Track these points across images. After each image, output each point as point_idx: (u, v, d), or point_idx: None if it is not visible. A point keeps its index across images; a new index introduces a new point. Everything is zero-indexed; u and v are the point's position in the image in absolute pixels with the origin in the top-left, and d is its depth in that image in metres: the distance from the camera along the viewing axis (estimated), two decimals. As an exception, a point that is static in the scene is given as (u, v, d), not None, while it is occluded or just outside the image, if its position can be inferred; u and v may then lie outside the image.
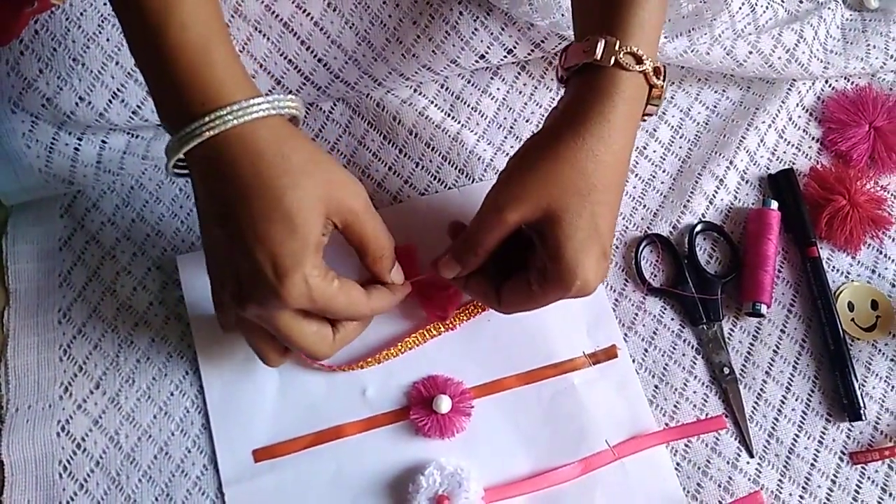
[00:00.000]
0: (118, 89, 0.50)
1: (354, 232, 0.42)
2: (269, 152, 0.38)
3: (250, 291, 0.39)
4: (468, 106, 0.58)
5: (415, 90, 0.58)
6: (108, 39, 0.49)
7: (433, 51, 0.54)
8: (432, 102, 0.58)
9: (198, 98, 0.38)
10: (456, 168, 0.56)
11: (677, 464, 0.50)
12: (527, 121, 0.58)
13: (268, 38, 0.53)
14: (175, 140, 0.39)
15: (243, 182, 0.38)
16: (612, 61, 0.41)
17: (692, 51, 0.56)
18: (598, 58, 0.41)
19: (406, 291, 0.46)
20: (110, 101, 0.50)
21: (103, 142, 0.52)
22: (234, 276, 0.40)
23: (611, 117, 0.41)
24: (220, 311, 0.45)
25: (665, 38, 0.56)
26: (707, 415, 0.51)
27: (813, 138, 0.60)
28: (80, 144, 0.52)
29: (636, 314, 0.54)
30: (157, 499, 0.48)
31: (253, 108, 0.38)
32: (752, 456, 0.50)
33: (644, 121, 0.45)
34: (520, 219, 0.42)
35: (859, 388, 0.52)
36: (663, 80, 0.43)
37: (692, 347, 0.53)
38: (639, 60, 0.41)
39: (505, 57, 0.55)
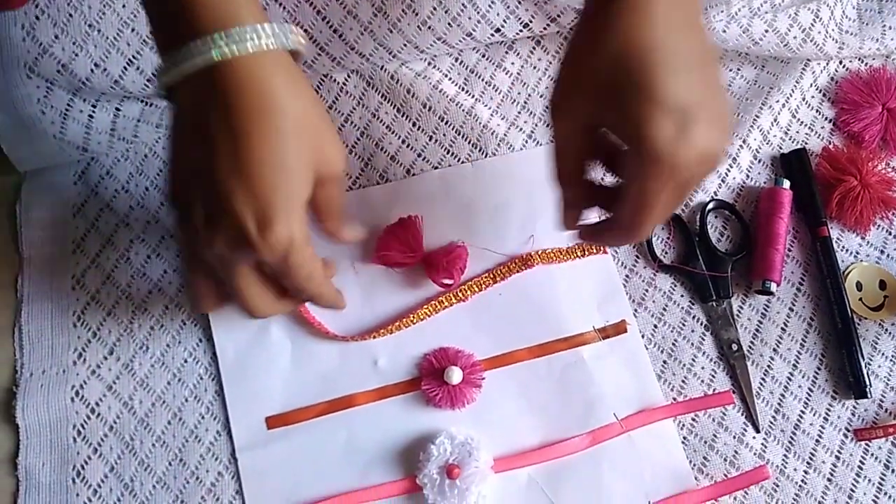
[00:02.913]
0: (133, 56, 0.49)
1: (328, 193, 0.40)
2: (279, 91, 0.36)
3: (222, 230, 0.36)
4: (482, 80, 0.58)
5: (429, 63, 0.58)
6: (123, 6, 0.49)
7: (449, 23, 0.53)
8: (446, 76, 0.58)
9: (202, 20, 0.35)
10: (469, 142, 0.56)
11: (684, 437, 0.50)
12: (541, 96, 0.58)
13: (284, 8, 0.53)
14: (169, 60, 0.36)
15: (244, 115, 0.35)
16: None
17: (709, 28, 0.56)
18: None
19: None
20: (125, 69, 0.50)
21: (117, 109, 0.52)
22: (206, 209, 0.37)
23: None
24: (180, 233, 0.43)
25: (681, 14, 0.56)
26: (714, 390, 0.52)
27: (826, 119, 0.60)
28: (94, 111, 0.52)
29: (646, 290, 0.54)
30: (170, 464, 0.49)
31: (261, 36, 0.35)
32: (758, 431, 0.51)
33: None
34: (573, 108, 0.39)
35: (865, 366, 0.52)
36: None
37: (701, 324, 0.53)
38: None
39: (520, 31, 0.55)
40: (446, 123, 0.57)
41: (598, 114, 0.38)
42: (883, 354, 0.53)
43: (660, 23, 0.36)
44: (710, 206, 0.56)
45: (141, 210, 0.54)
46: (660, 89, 0.35)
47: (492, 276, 0.53)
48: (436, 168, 0.56)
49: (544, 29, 0.56)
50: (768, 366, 0.53)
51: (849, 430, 0.52)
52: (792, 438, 0.51)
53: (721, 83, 0.39)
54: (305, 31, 0.53)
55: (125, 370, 0.51)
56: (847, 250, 0.56)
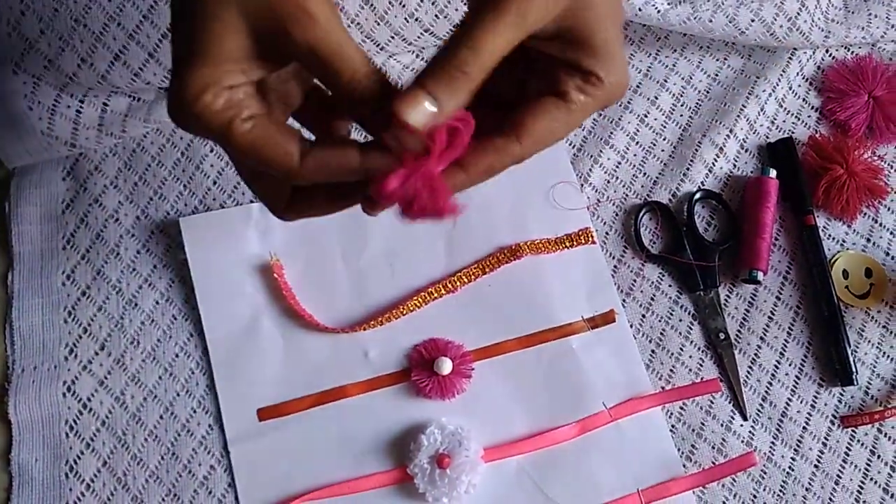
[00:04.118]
0: (120, 51, 0.49)
1: (299, 45, 0.29)
2: None
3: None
4: (470, 72, 0.58)
5: (417, 56, 0.58)
6: (109, 0, 0.49)
7: (436, 15, 0.53)
8: (434, 68, 0.58)
9: None
10: (457, 134, 0.56)
11: (672, 426, 0.51)
12: (528, 87, 0.58)
13: (270, 1, 0.52)
14: None
15: None
16: None
17: (695, 18, 0.56)
18: None
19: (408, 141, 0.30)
20: (112, 63, 0.50)
21: (105, 104, 0.52)
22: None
23: None
24: None
25: (668, 4, 0.56)
26: (702, 379, 0.52)
27: (812, 107, 0.60)
28: (81, 107, 0.52)
29: (634, 280, 0.54)
30: (162, 458, 0.49)
31: None
32: (745, 419, 0.52)
33: None
34: (540, 6, 0.30)
35: (852, 353, 0.53)
36: None
37: (689, 313, 0.54)
38: None
39: (507, 22, 0.55)
40: (434, 116, 0.57)
41: (563, 9, 0.31)
42: (869, 342, 0.54)
43: None
44: (698, 195, 0.56)
45: (130, 205, 0.54)
46: (621, 16, 0.33)
47: (481, 266, 0.53)
48: (424, 160, 0.56)
49: (531, 20, 0.56)
50: (755, 354, 0.53)
51: (835, 417, 0.52)
52: (779, 426, 0.52)
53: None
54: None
55: (117, 365, 0.51)
56: (833, 238, 0.57)
